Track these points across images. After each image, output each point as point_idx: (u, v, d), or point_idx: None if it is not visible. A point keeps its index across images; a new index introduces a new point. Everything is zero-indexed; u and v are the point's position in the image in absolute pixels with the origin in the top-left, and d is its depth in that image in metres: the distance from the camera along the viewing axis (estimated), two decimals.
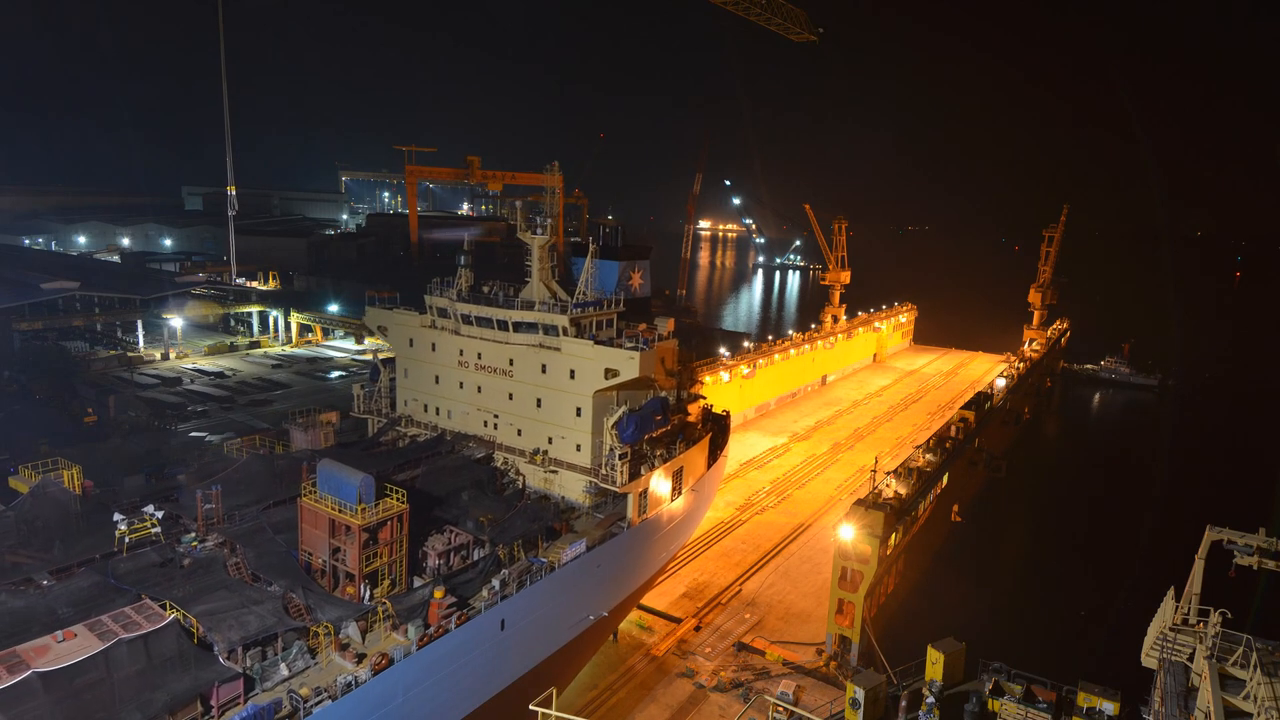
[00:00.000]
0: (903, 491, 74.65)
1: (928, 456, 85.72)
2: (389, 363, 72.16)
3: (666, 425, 63.00)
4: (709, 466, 70.16)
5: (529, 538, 51.84)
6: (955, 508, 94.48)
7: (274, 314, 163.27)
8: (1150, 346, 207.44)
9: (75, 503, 47.00)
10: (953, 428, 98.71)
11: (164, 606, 36.65)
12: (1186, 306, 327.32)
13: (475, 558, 48.77)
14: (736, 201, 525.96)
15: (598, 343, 59.29)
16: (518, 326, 61.36)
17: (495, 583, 45.66)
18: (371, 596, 42.78)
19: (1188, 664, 36.93)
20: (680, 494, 64.09)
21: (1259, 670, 32.74)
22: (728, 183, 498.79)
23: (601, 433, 58.60)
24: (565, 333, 59.66)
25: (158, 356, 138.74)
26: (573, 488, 60.56)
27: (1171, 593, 39.33)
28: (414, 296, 73.32)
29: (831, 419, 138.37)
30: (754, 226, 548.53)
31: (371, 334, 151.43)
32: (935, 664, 46.35)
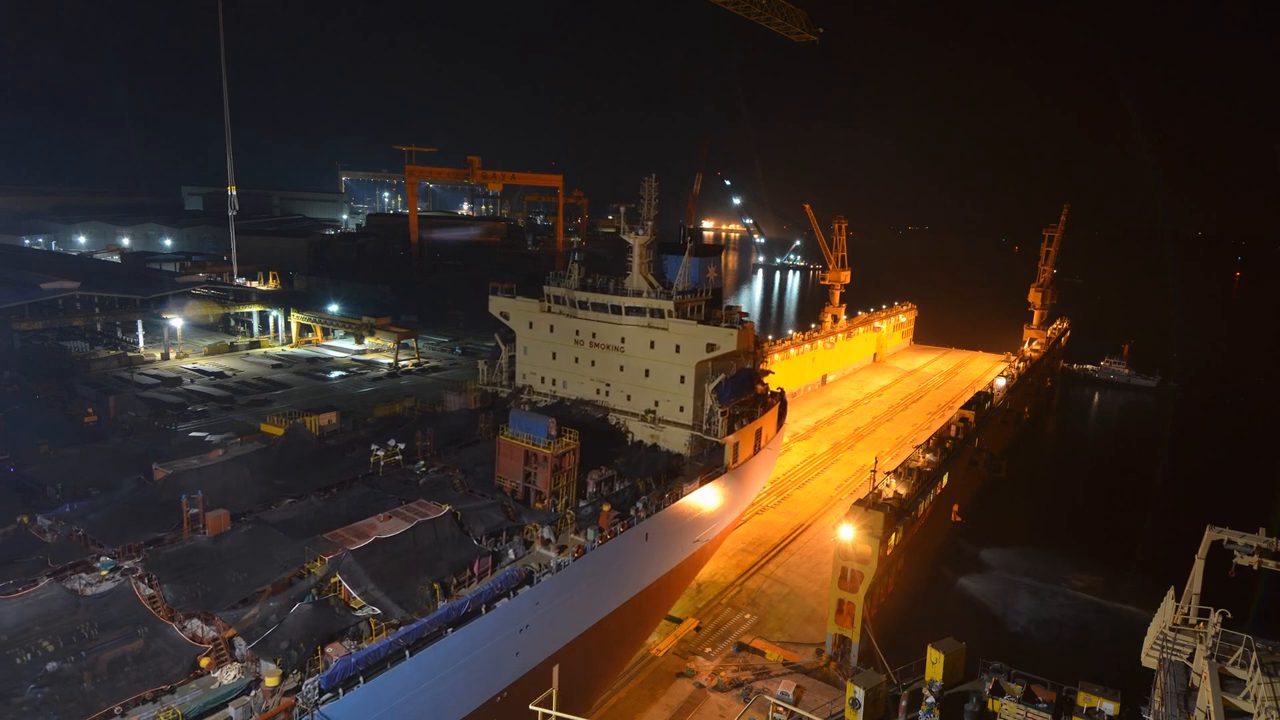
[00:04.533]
0: (903, 491, 74.63)
1: (928, 456, 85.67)
2: (510, 341, 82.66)
3: (751, 392, 76.03)
4: (776, 430, 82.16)
5: (655, 475, 64.07)
6: (955, 508, 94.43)
7: (274, 314, 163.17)
8: (1150, 347, 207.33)
9: (315, 441, 61.81)
10: (953, 428, 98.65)
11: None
12: (1186, 306, 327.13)
13: (617, 488, 60.50)
14: (737, 201, 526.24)
15: (700, 322, 70.63)
16: (629, 310, 72.44)
17: (639, 504, 57.81)
18: (556, 509, 54.27)
19: (1188, 664, 36.93)
20: (759, 450, 75.38)
21: (1259, 670, 32.73)
22: (728, 182, 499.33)
23: (702, 396, 70.71)
24: (670, 315, 70.70)
25: (158, 356, 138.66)
26: (676, 441, 71.49)
27: (1171, 593, 39.31)
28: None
29: (831, 419, 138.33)
30: (754, 226, 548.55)
31: (371, 335, 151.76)
32: (935, 664, 46.34)
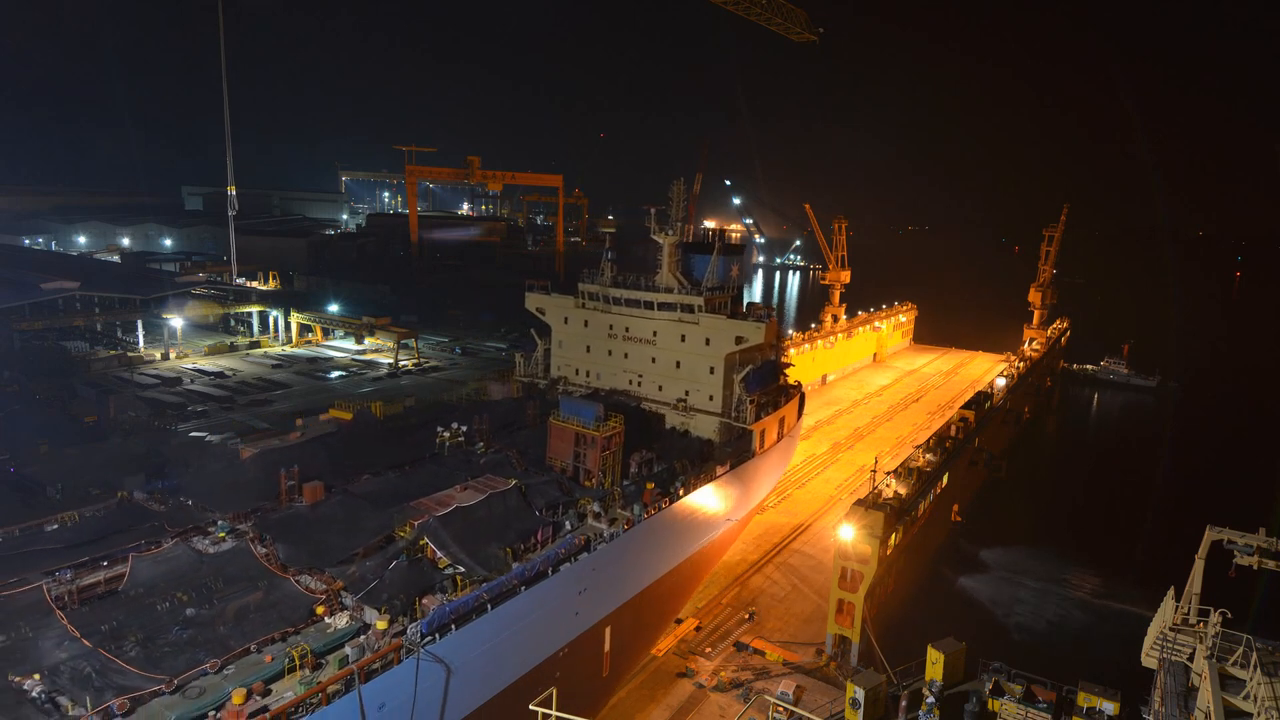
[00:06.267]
0: (903, 491, 74.60)
1: (928, 456, 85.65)
2: (545, 336, 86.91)
3: (776, 382, 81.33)
4: (797, 420, 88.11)
5: (690, 458, 67.97)
6: (955, 508, 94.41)
7: (274, 314, 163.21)
8: (1149, 347, 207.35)
9: (378, 425, 68.56)
10: (953, 427, 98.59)
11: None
12: (1186, 307, 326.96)
13: (656, 469, 64.67)
14: (737, 201, 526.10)
15: (728, 316, 74.68)
16: (661, 306, 76.60)
17: (678, 483, 62.15)
18: (603, 486, 58.84)
19: (1188, 664, 36.95)
20: (782, 437, 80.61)
21: (1259, 670, 32.75)
22: (728, 182, 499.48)
23: (731, 386, 75.08)
24: (700, 310, 74.80)
25: (158, 356, 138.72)
26: (706, 428, 75.55)
27: (1171, 593, 39.32)
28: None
29: (831, 419, 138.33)
30: (754, 226, 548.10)
31: (371, 335, 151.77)
32: (935, 664, 46.35)
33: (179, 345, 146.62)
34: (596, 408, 59.65)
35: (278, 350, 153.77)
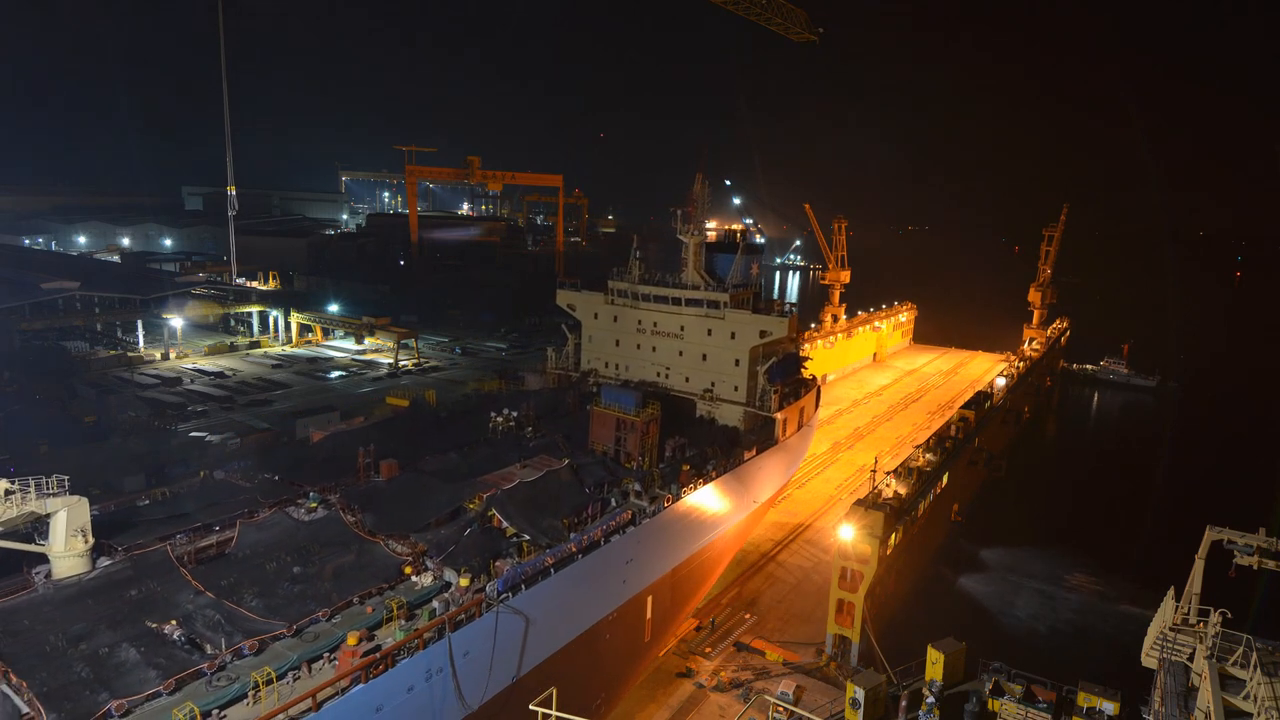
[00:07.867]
0: (902, 491, 74.60)
1: (927, 456, 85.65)
2: (575, 330, 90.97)
3: (797, 374, 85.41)
4: (815, 410, 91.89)
5: (719, 444, 71.65)
6: (955, 507, 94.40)
7: (274, 314, 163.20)
8: (1149, 347, 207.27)
9: (432, 413, 73.62)
10: (952, 427, 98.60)
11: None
12: (1186, 307, 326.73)
13: (689, 453, 67.73)
14: (737, 201, 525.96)
15: (754, 311, 78.62)
16: (688, 302, 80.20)
17: (709, 466, 66.07)
18: (642, 468, 62.58)
19: (1188, 664, 36.94)
20: (801, 427, 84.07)
21: (1259, 670, 32.75)
22: (728, 182, 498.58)
23: (755, 377, 78.71)
24: (725, 306, 78.29)
25: (158, 356, 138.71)
26: (731, 416, 79.21)
27: (1171, 593, 39.30)
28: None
29: (831, 419, 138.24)
30: (754, 226, 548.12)
31: (371, 335, 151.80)
32: (935, 664, 46.34)
33: (179, 345, 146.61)
34: (636, 395, 64.00)
35: (278, 350, 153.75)
